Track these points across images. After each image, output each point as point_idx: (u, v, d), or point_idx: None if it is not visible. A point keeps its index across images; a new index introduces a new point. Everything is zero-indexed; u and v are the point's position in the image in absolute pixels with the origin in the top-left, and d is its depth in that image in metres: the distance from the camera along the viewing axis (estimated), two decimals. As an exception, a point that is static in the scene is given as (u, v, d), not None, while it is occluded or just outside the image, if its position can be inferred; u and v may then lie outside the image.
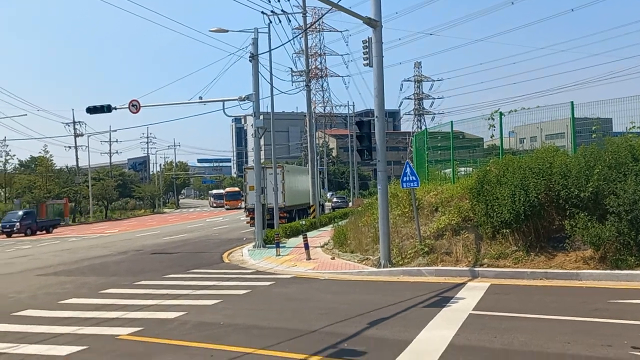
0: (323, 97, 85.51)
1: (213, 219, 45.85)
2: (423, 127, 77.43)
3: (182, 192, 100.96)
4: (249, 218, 28.66)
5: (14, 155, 61.67)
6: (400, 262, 12.75)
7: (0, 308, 10.62)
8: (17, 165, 56.80)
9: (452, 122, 15.84)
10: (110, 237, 30.54)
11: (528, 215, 11.32)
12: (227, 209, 63.05)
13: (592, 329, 7.15)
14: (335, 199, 51.77)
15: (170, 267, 15.82)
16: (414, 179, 12.72)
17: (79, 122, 55.99)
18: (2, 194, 52.33)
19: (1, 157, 49.47)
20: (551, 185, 11.54)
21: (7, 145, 49.58)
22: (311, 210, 29.63)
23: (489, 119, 15.09)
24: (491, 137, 14.86)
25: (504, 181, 11.85)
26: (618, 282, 9.87)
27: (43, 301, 11.22)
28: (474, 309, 8.45)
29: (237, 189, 71.06)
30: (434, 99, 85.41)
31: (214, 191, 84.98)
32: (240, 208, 57.40)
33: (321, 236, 21.73)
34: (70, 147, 56.68)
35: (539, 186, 11.35)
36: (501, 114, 14.75)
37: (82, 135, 55.71)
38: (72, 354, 7.10)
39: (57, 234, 36.64)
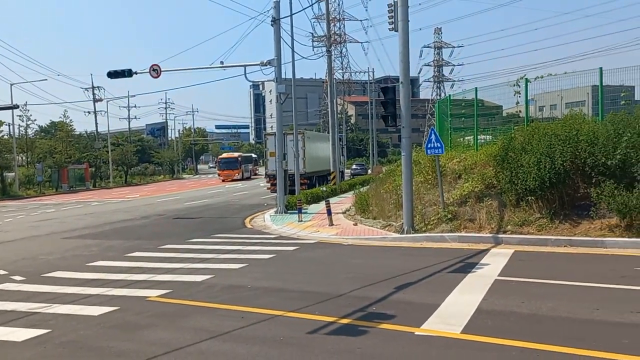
0: (342, 63, 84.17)
1: (233, 185, 46.18)
2: (442, 95, 76.27)
3: (200, 158, 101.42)
4: (269, 184, 28.80)
5: (35, 120, 62.29)
6: (423, 229, 12.77)
7: (31, 269, 10.92)
8: (37, 130, 57.57)
9: (476, 88, 15.54)
10: (131, 202, 31.02)
11: (553, 183, 11.23)
12: (223, 181, 51.96)
13: (621, 296, 7.13)
14: (354, 166, 51.69)
15: (194, 232, 16.04)
16: (439, 145, 12.59)
17: (98, 87, 56.36)
18: (24, 158, 53.22)
19: (22, 121, 50.12)
20: (577, 153, 11.38)
21: (28, 110, 50.03)
22: (331, 177, 29.65)
23: (514, 85, 14.79)
24: (516, 104, 14.58)
25: (530, 148, 11.70)
26: (645, 251, 9.77)
27: (71, 263, 11.50)
28: (499, 275, 8.47)
29: (235, 154, 58.57)
30: (454, 65, 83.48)
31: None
32: (236, 179, 51.61)
33: (342, 203, 21.80)
34: (89, 112, 57.21)
35: (565, 153, 11.20)
36: (527, 80, 14.42)
37: (101, 100, 56.05)
38: (105, 314, 7.29)
39: (79, 198, 37.30)
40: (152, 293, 8.35)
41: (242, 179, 52.69)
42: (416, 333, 5.95)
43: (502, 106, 19.28)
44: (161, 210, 24.15)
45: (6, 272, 10.63)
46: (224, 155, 59.38)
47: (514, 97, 14.99)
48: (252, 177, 57.41)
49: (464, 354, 5.30)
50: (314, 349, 5.62)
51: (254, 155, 69.85)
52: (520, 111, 14.83)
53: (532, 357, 5.12)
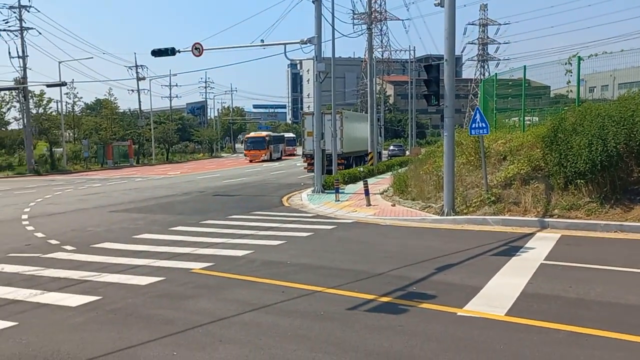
0: (382, 41, 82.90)
1: (270, 164, 46.61)
2: (487, 74, 74.15)
3: (238, 137, 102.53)
4: (306, 164, 28.90)
5: (81, 97, 64.30)
6: (464, 211, 12.55)
7: (81, 240, 11.35)
8: (83, 107, 59.38)
9: (525, 66, 15.01)
10: (173, 179, 31.74)
11: (605, 166, 10.79)
12: (250, 161, 49.87)
13: (675, 284, 6.83)
14: (392, 147, 51.20)
15: (233, 209, 16.27)
16: (484, 125, 12.26)
17: (141, 66, 57.46)
18: (71, 134, 55.08)
19: (70, 99, 51.81)
20: (632, 135, 10.86)
21: (75, 88, 51.73)
22: (368, 157, 29.47)
23: (565, 63, 14.18)
24: (567, 83, 14.00)
25: (581, 130, 11.24)
26: (702, 239, 9.34)
27: (118, 235, 11.87)
28: (545, 259, 8.26)
29: (262, 134, 55.29)
30: (500, 44, 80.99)
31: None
32: (265, 160, 49.57)
33: (379, 183, 21.67)
34: (132, 90, 58.54)
35: (619, 135, 10.72)
36: (580, 58, 13.80)
37: (144, 79, 57.24)
38: (152, 284, 7.52)
39: (123, 174, 38.39)
40: (196, 265, 8.55)
41: (270, 160, 50.81)
42: (458, 313, 5.89)
43: (549, 86, 18.60)
44: (201, 187, 24.62)
45: (58, 242, 11.10)
46: (251, 134, 56.97)
47: (563, 77, 14.38)
48: (282, 157, 55.71)
49: (508, 335, 5.21)
50: (355, 324, 5.64)
51: (287, 135, 68.30)
52: (571, 91, 14.25)
53: (580, 341, 4.99)
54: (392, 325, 5.57)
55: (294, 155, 59.97)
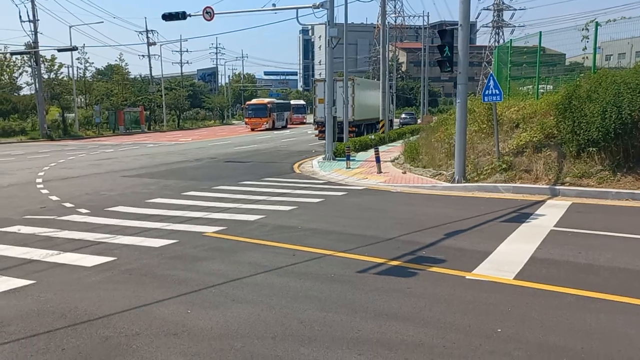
0: (395, 7, 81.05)
1: (280, 131, 46.53)
2: (501, 41, 72.48)
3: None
4: (317, 131, 28.82)
5: (92, 62, 64.10)
6: (475, 178, 12.53)
7: (95, 203, 11.53)
8: (94, 73, 59.23)
9: (540, 32, 14.64)
10: (184, 145, 31.87)
11: (618, 134, 10.68)
12: (252, 129, 47.89)
13: (685, 251, 6.83)
14: (403, 115, 50.72)
15: (244, 175, 16.37)
16: (497, 92, 12.09)
17: (152, 30, 57.03)
18: (83, 100, 55.15)
19: (81, 64, 51.71)
20: (648, 103, 10.67)
21: (86, 53, 51.50)
22: (380, 125, 29.29)
23: (582, 29, 13.84)
24: (583, 50, 13.69)
25: (595, 97, 11.07)
26: None
27: (131, 199, 12.04)
28: (555, 226, 8.28)
29: (264, 101, 52.63)
30: (515, 10, 78.88)
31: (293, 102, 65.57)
32: (268, 129, 47.70)
33: (390, 151, 21.63)
34: (143, 55, 58.21)
35: (635, 103, 10.55)
36: (597, 24, 13.45)
37: (154, 44, 56.81)
38: (165, 246, 7.67)
39: (135, 140, 38.58)
40: (208, 229, 8.68)
41: (272, 129, 48.85)
42: (467, 277, 5.96)
43: (565, 54, 18.21)
44: (213, 154, 24.73)
45: (72, 205, 11.29)
46: (253, 101, 54.32)
47: (579, 44, 14.04)
48: (288, 125, 54.27)
49: (516, 298, 5.28)
50: (365, 286, 5.75)
51: (295, 102, 65.63)
52: (586, 57, 13.96)
53: (588, 305, 5.05)
54: (400, 288, 5.66)
55: (303, 123, 59.39)
